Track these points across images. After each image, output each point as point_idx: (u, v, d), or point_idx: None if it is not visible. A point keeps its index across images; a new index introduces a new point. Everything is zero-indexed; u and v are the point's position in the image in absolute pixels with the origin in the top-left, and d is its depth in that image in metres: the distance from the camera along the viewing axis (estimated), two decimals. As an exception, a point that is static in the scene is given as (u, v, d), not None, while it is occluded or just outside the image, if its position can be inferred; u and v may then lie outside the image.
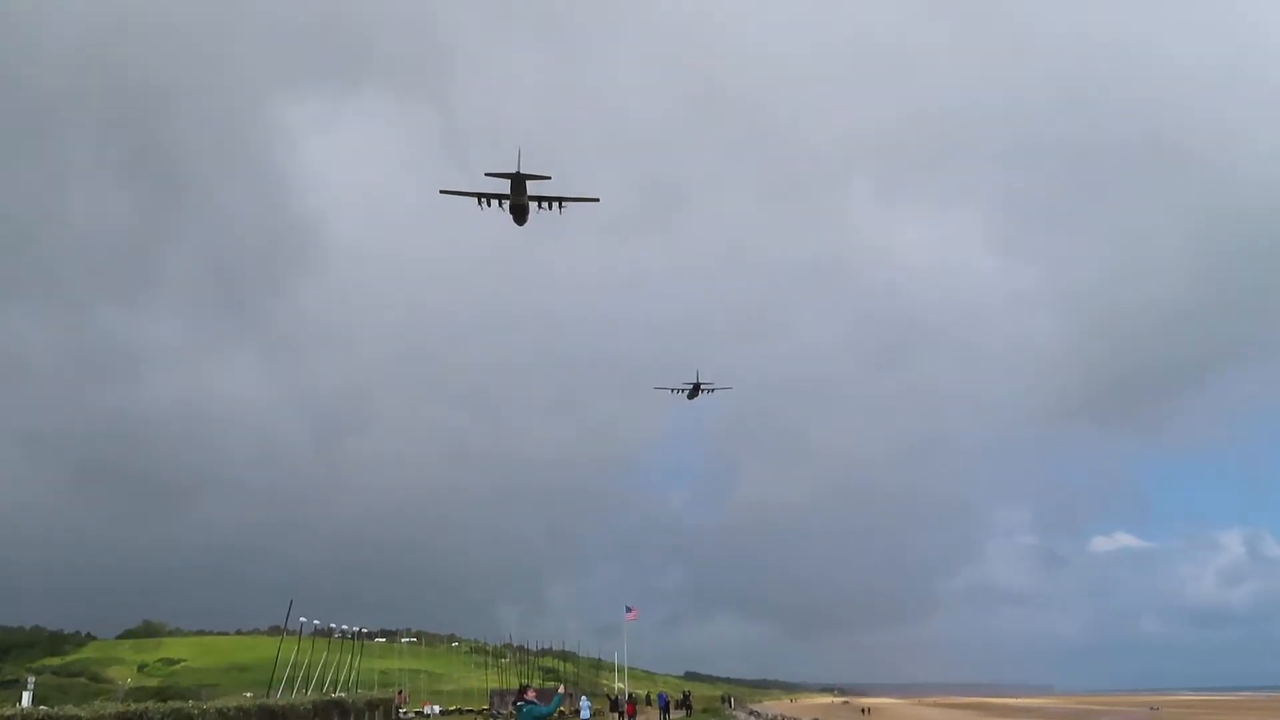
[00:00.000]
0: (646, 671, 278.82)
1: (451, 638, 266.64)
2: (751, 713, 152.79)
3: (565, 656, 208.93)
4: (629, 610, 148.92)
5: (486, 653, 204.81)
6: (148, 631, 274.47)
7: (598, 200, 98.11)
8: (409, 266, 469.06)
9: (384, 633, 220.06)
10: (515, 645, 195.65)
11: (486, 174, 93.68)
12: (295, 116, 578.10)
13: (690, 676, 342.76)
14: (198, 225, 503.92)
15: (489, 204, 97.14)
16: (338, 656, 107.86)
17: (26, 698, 49.47)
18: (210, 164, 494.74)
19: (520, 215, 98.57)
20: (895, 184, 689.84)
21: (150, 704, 43.57)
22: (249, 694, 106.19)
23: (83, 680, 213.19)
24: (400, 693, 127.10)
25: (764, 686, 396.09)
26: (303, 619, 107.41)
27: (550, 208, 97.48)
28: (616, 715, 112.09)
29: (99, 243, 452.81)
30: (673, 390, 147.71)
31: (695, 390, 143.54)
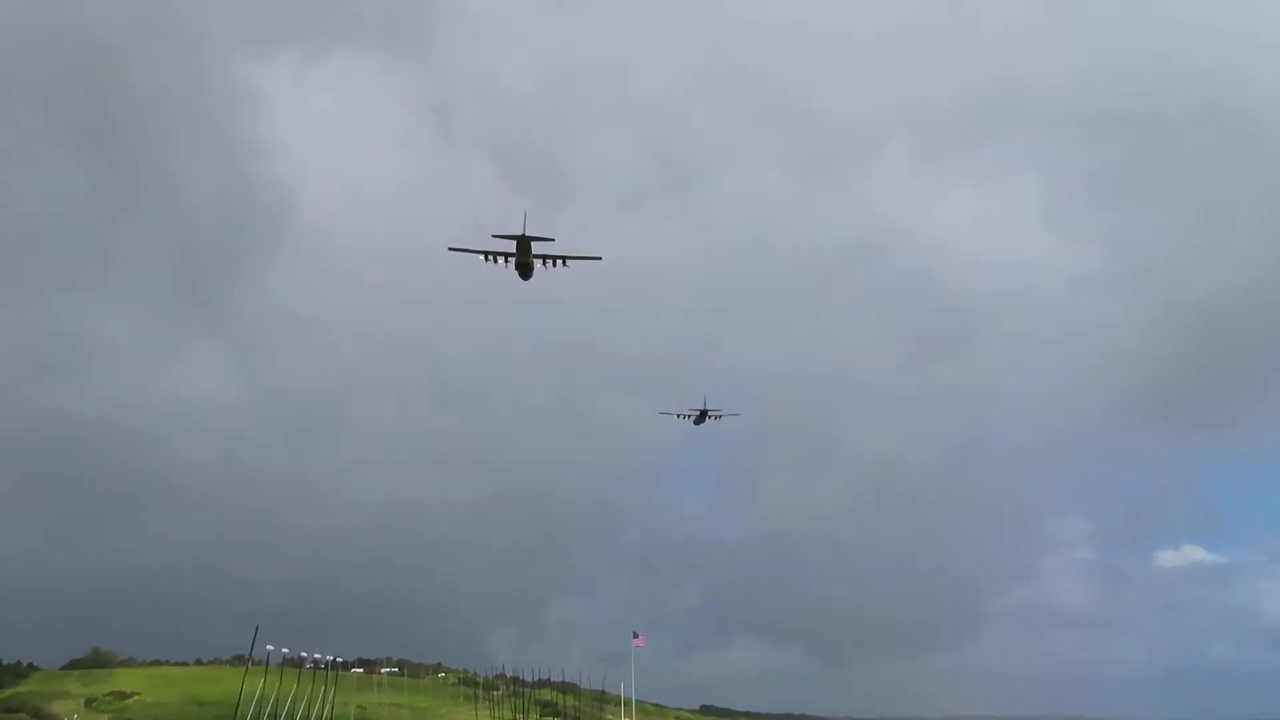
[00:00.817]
0: (657, 705, 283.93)
1: (438, 668, 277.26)
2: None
3: (566, 689, 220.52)
4: (636, 636, 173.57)
5: (477, 684, 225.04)
6: (97, 661, 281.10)
7: (600, 259, 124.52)
8: (392, 247, 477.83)
9: (362, 662, 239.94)
10: (509, 676, 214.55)
11: (494, 235, 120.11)
12: (262, 78, 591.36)
13: (706, 711, 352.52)
14: (152, 202, 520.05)
15: (495, 261, 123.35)
16: (309, 689, 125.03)
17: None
18: (165, 133, 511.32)
19: (526, 272, 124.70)
20: (936, 155, 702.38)
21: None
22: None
23: (23, 717, 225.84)
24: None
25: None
26: (270, 647, 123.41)
27: (555, 265, 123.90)
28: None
29: (39, 223, 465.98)
30: (678, 416, 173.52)
31: (702, 416, 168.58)
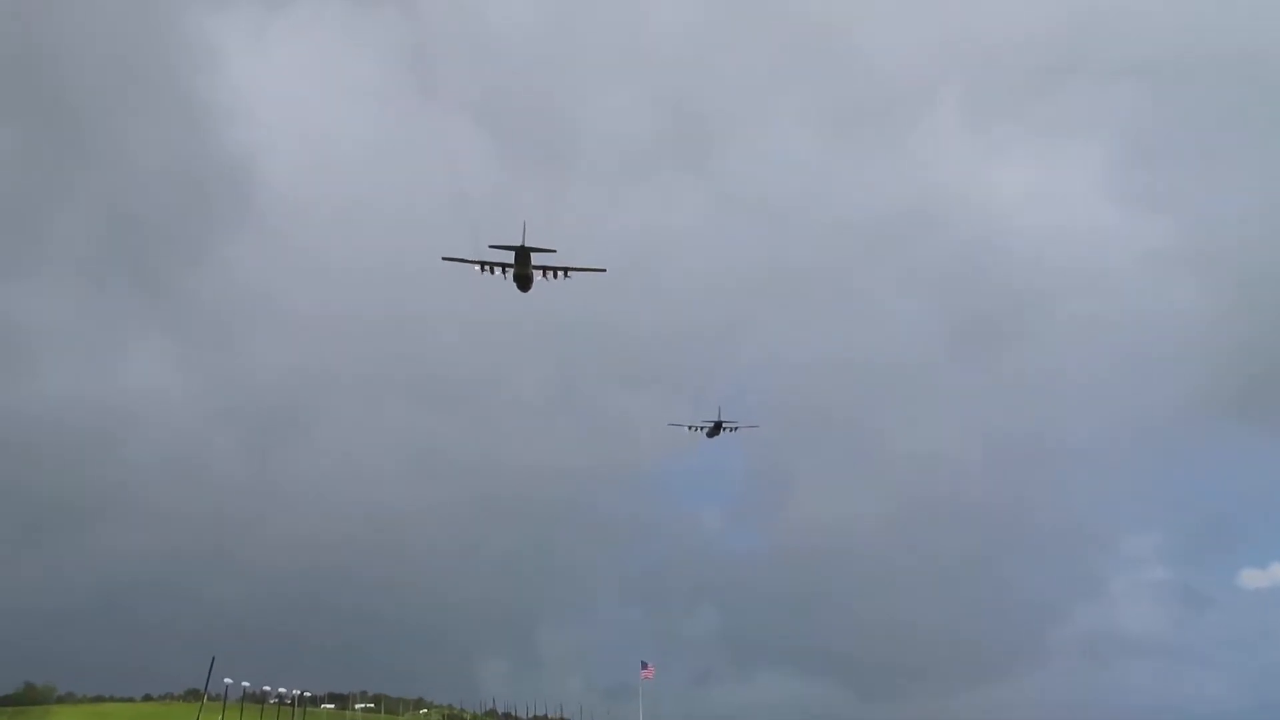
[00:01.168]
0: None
1: (419, 703, 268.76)
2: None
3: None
4: (645, 667, 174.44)
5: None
6: (31, 698, 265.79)
7: (604, 270, 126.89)
8: (368, 219, 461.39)
9: (333, 697, 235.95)
10: (501, 711, 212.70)
11: (491, 246, 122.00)
12: (219, 29, 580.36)
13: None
14: (95, 173, 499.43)
15: (492, 272, 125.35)
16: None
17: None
18: (111, 93, 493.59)
19: (525, 284, 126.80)
20: (991, 111, 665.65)
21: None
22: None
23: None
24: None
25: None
26: (229, 680, 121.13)
27: (556, 277, 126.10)
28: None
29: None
30: (689, 428, 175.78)
31: (717, 428, 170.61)
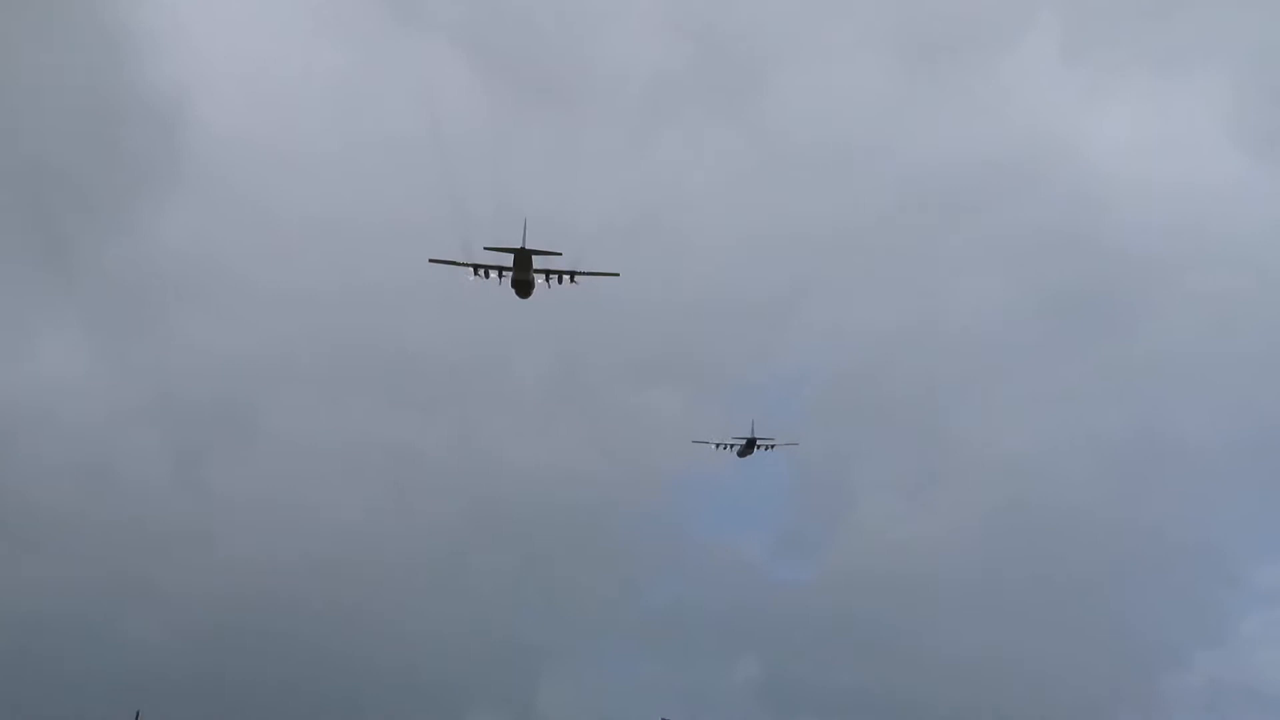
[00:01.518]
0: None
1: None
2: None
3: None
4: None
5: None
6: None
7: (618, 275, 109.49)
8: (325, 173, 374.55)
9: None
10: None
11: (486, 248, 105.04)
12: None
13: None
14: None
15: (486, 276, 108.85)
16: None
17: None
18: (6, 15, 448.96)
19: (524, 290, 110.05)
20: (1092, 41, 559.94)
21: None
22: None
23: None
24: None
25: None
26: None
27: (561, 282, 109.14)
28: None
29: None
30: (717, 446, 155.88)
31: (749, 447, 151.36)
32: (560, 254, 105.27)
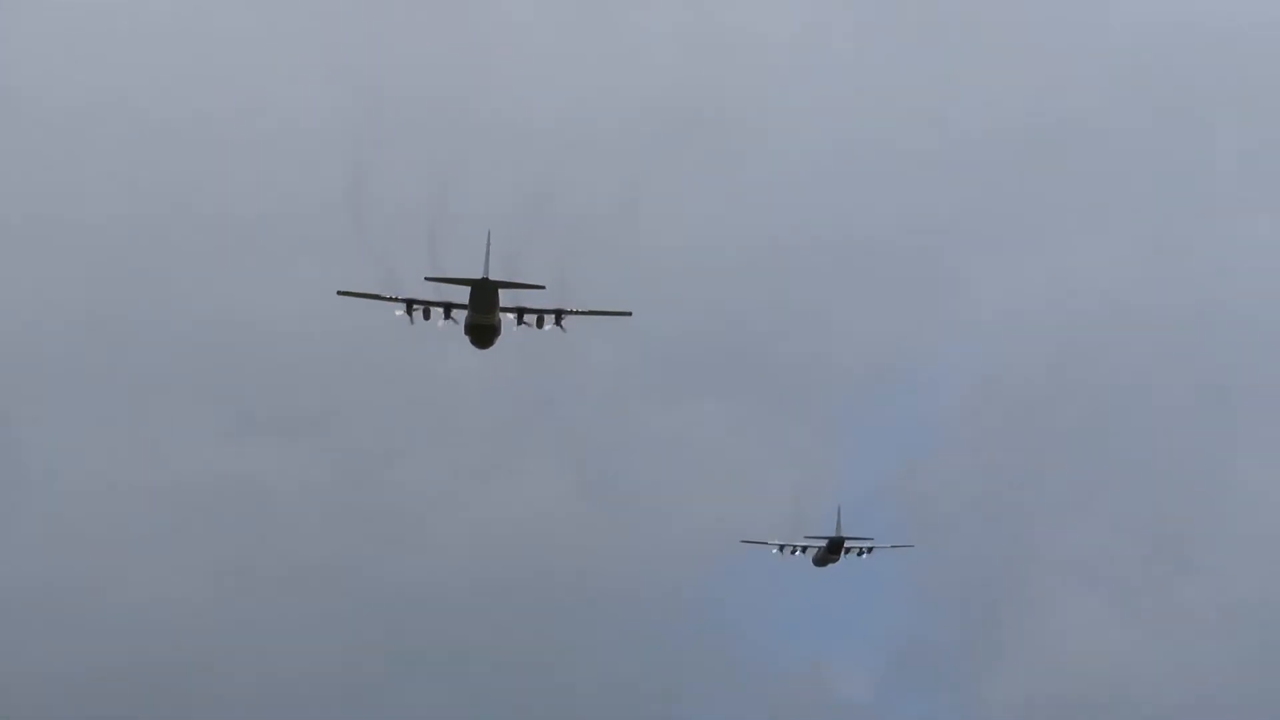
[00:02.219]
0: None
1: None
2: None
3: None
4: None
5: None
6: None
7: (629, 314, 73.83)
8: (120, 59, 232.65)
9: None
10: None
11: (428, 278, 68.25)
12: None
13: None
14: None
15: (427, 316, 72.63)
16: None
17: None
18: None
19: (484, 337, 74.01)
20: None
21: None
22: None
23: None
24: None
25: None
26: None
27: (542, 325, 73.28)
28: None
29: None
30: (780, 549, 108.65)
31: (835, 549, 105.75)
32: (543, 286, 69.07)
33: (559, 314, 71.90)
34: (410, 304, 70.79)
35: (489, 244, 67.43)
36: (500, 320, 71.85)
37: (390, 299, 70.54)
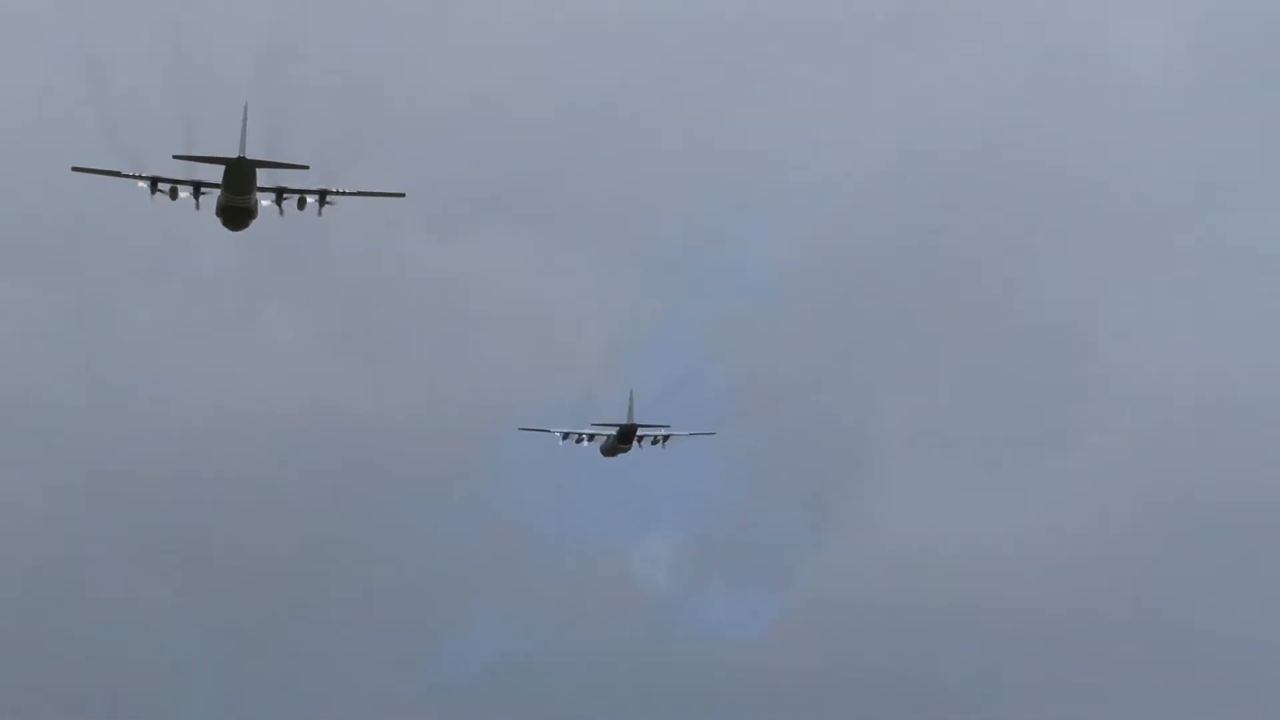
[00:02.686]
0: None
1: None
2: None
3: None
4: None
5: None
6: None
7: (403, 195, 69.84)
8: None
9: None
10: None
11: (176, 157, 61.91)
12: None
13: None
14: None
15: (174, 196, 66.47)
16: None
17: None
18: None
19: (237, 220, 68.36)
20: None
21: None
22: None
23: None
24: None
25: None
26: None
27: (304, 206, 68.67)
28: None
29: None
30: (565, 437, 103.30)
31: (627, 437, 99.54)
32: (307, 166, 64.69)
33: (323, 194, 67.62)
34: (155, 181, 64.78)
35: (245, 118, 62.10)
36: (257, 202, 66.84)
37: (131, 176, 64.30)
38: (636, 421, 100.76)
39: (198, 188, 65.68)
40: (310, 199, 67.66)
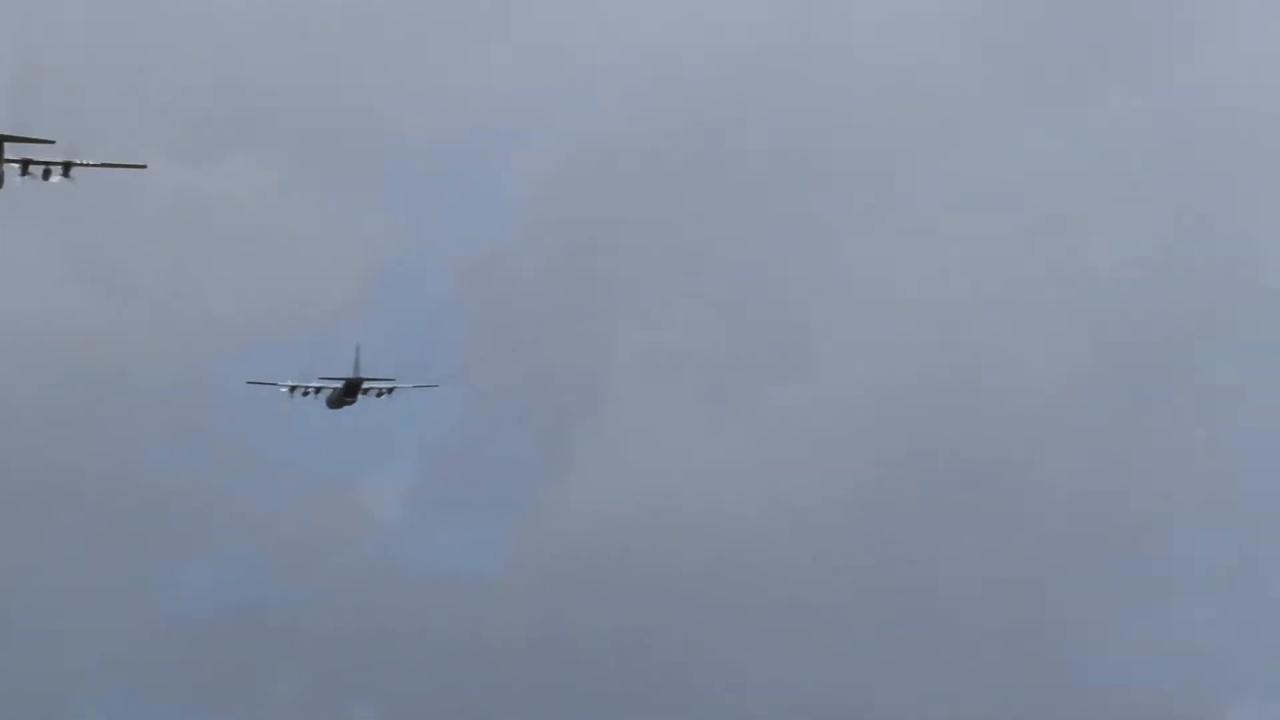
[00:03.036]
0: None
1: None
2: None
3: None
4: None
5: None
6: None
7: (144, 167, 75.10)
8: None
9: None
10: None
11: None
12: None
13: None
14: None
15: None
16: None
17: None
18: None
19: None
20: None
21: None
22: None
23: None
24: None
25: None
26: None
27: (49, 178, 73.29)
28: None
29: None
30: (291, 390, 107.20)
31: (352, 390, 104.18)
32: (53, 141, 69.87)
33: (67, 166, 72.37)
34: None
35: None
36: (2, 172, 70.82)
37: None
38: (362, 375, 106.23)
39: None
40: (55, 170, 72.22)
